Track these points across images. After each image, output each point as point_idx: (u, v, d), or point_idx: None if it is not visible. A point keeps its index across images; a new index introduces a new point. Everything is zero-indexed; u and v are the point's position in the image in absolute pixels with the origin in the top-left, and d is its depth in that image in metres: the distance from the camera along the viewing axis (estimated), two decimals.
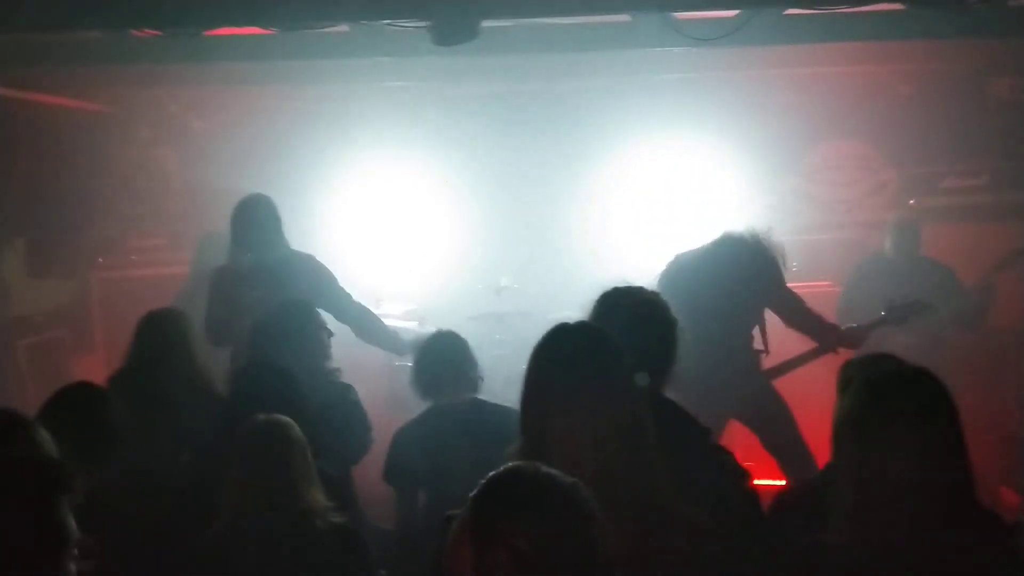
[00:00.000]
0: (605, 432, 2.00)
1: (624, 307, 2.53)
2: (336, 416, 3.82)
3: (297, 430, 2.86)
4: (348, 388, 4.11)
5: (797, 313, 4.57)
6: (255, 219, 4.60)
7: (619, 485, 1.54)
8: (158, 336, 3.79)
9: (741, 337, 4.48)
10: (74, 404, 2.86)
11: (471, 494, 1.53)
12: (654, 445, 2.06)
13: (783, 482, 4.38)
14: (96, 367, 5.98)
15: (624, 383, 2.08)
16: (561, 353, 2.10)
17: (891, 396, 2.00)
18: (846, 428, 2.00)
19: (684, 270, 4.44)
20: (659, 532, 1.89)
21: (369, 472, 4.63)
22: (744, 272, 4.41)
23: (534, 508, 1.48)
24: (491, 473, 1.55)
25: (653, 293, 2.62)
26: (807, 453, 4.40)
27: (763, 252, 4.47)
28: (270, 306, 4.15)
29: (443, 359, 3.86)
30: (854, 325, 4.75)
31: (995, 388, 5.52)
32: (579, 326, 2.18)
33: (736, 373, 4.35)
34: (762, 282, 4.46)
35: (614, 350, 2.13)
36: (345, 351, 4.34)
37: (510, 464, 1.57)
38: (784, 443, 4.43)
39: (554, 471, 1.53)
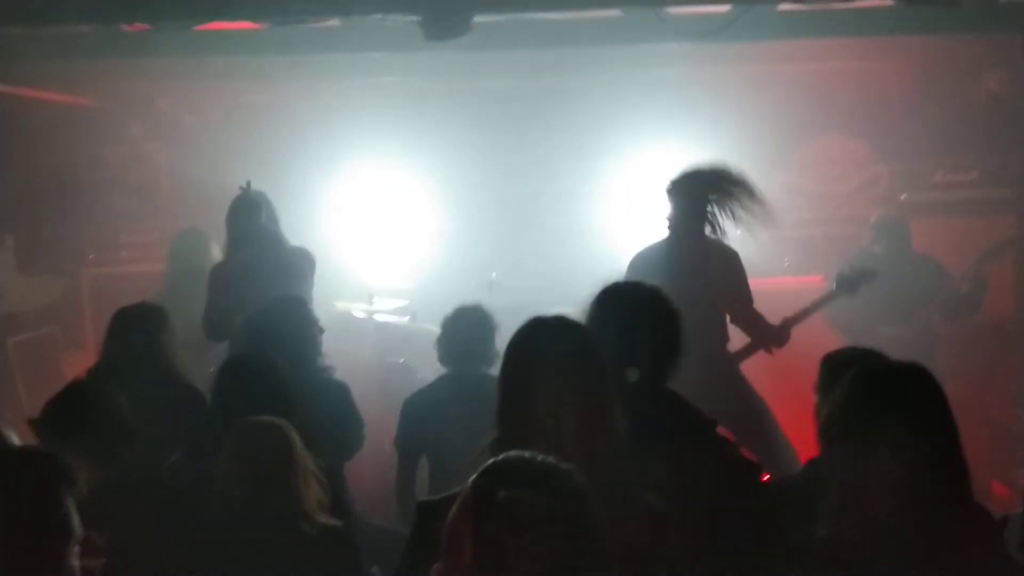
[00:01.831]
0: (574, 421, 2.04)
1: (626, 300, 2.56)
2: (328, 413, 3.82)
3: (291, 433, 2.83)
4: (341, 385, 4.11)
5: (742, 309, 4.50)
6: (251, 215, 4.60)
7: (584, 471, 1.60)
8: (128, 332, 3.78)
9: (703, 332, 4.38)
10: (84, 398, 2.84)
11: (471, 477, 1.57)
12: (621, 434, 2.10)
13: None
14: (87, 364, 5.95)
15: (594, 374, 2.12)
16: (535, 345, 2.14)
17: (884, 390, 2.01)
18: (837, 421, 2.01)
19: (648, 266, 4.37)
20: (621, 517, 1.93)
21: (361, 469, 4.64)
22: (701, 263, 4.35)
23: (532, 483, 1.54)
24: (491, 460, 1.61)
25: (655, 286, 2.63)
26: (787, 447, 4.34)
27: (719, 244, 4.42)
28: (263, 302, 4.15)
29: (461, 329, 3.94)
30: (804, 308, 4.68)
31: (986, 381, 5.55)
32: (554, 320, 2.21)
33: (700, 367, 4.22)
34: (716, 272, 4.41)
35: (586, 342, 2.16)
36: (337, 347, 4.34)
37: (511, 452, 1.61)
38: (760, 437, 4.34)
39: (551, 458, 1.58)
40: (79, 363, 6.10)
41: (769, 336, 4.54)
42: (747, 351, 4.60)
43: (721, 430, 2.62)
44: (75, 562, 1.69)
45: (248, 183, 4.65)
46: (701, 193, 4.39)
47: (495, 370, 3.74)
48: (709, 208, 4.38)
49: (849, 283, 4.81)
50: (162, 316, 3.89)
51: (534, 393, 2.07)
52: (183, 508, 2.84)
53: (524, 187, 6.73)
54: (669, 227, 4.44)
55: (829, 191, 7.14)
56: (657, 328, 2.53)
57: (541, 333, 2.16)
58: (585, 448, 1.93)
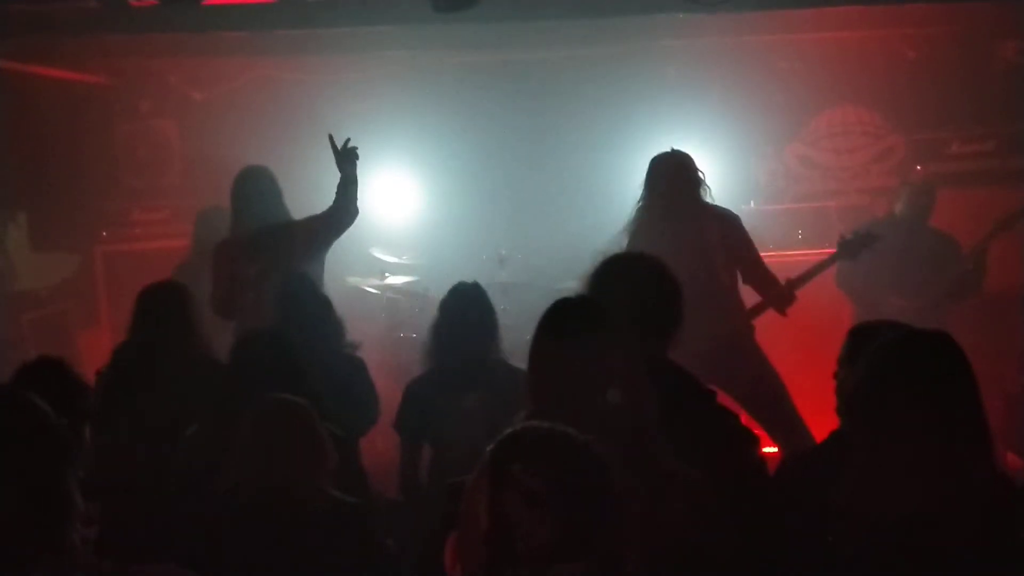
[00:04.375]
0: (606, 399, 2.09)
1: (628, 272, 2.57)
2: (343, 389, 3.83)
3: (311, 411, 2.82)
4: (356, 361, 4.12)
5: (752, 268, 4.49)
6: (255, 191, 4.59)
7: (619, 446, 1.62)
8: (158, 309, 3.78)
9: (716, 302, 4.33)
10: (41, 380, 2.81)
11: (488, 447, 1.57)
12: (653, 409, 2.15)
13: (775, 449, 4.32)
14: (101, 341, 5.99)
15: (623, 353, 2.18)
16: (563, 327, 2.22)
17: (909, 359, 2.00)
18: (862, 392, 2.00)
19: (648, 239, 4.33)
20: (657, 490, 1.96)
21: (375, 443, 4.65)
22: (702, 230, 4.34)
23: (549, 454, 1.56)
24: (509, 428, 1.62)
25: (656, 258, 2.63)
26: (801, 423, 4.33)
27: (715, 208, 4.42)
28: (283, 279, 4.15)
29: (457, 314, 3.81)
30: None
31: (1000, 352, 5.51)
32: (580, 300, 2.32)
33: (718, 339, 4.18)
34: (719, 237, 4.38)
35: (612, 323, 2.23)
36: (350, 323, 4.33)
37: (529, 423, 1.62)
38: (775, 413, 4.31)
39: (569, 428, 1.58)
40: (92, 340, 6.15)
41: (774, 298, 4.54)
42: (755, 311, 4.59)
43: (723, 399, 2.63)
44: (76, 537, 1.69)
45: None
46: (690, 162, 4.40)
47: (499, 354, 3.77)
48: (700, 175, 4.40)
49: (851, 247, 4.82)
50: (189, 294, 3.90)
51: (562, 372, 2.14)
52: (196, 486, 2.85)
53: (534, 160, 6.69)
54: (652, 201, 4.41)
55: (844, 163, 7.08)
56: (657, 299, 2.55)
57: (565, 314, 2.24)
58: (618, 426, 1.97)
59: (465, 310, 3.81)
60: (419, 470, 3.83)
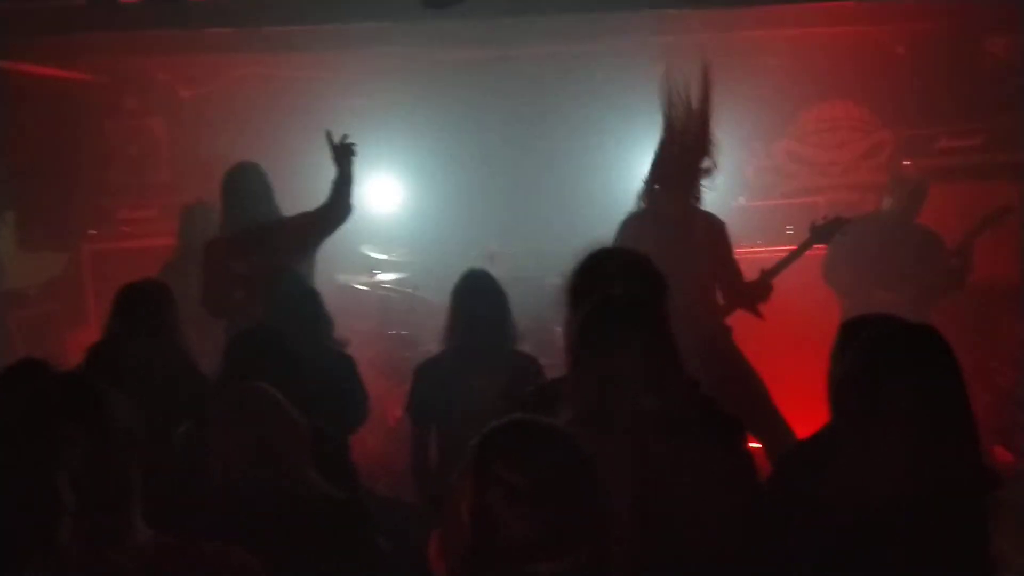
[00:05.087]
0: (646, 399, 2.15)
1: (613, 266, 2.55)
2: (333, 386, 3.82)
3: (279, 399, 2.80)
4: (345, 358, 4.11)
5: (730, 280, 4.48)
6: (245, 188, 4.57)
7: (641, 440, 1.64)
8: (134, 308, 3.75)
9: (696, 303, 4.29)
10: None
11: (471, 442, 1.57)
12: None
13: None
14: (90, 340, 5.95)
15: (669, 353, 2.24)
16: (609, 329, 2.23)
17: (894, 353, 2.01)
18: (849, 385, 2.01)
19: (637, 232, 4.31)
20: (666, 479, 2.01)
21: (365, 441, 4.64)
22: (687, 232, 4.34)
23: (531, 449, 1.53)
24: (492, 423, 1.60)
25: (641, 253, 2.63)
26: (780, 418, 4.32)
27: (705, 213, 4.42)
28: (272, 277, 4.14)
29: (471, 297, 3.86)
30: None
31: (989, 345, 5.53)
32: (627, 300, 2.32)
33: (693, 340, 4.17)
34: (703, 243, 4.38)
35: (658, 323, 2.27)
36: (339, 320, 4.32)
37: (511, 415, 1.61)
38: (754, 410, 4.31)
39: (554, 422, 1.57)
40: (81, 339, 6.10)
41: (751, 294, 4.52)
42: (727, 309, 4.57)
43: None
44: (65, 538, 1.68)
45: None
46: (690, 160, 4.40)
47: (512, 340, 3.78)
48: (695, 177, 4.39)
49: (823, 232, 4.84)
50: (168, 293, 3.87)
51: (608, 374, 2.16)
52: (187, 479, 2.83)
53: (524, 156, 6.68)
54: (649, 195, 4.42)
55: (832, 158, 7.09)
56: (643, 293, 2.53)
57: (612, 316, 2.26)
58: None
59: (480, 295, 3.84)
60: (428, 453, 3.84)
